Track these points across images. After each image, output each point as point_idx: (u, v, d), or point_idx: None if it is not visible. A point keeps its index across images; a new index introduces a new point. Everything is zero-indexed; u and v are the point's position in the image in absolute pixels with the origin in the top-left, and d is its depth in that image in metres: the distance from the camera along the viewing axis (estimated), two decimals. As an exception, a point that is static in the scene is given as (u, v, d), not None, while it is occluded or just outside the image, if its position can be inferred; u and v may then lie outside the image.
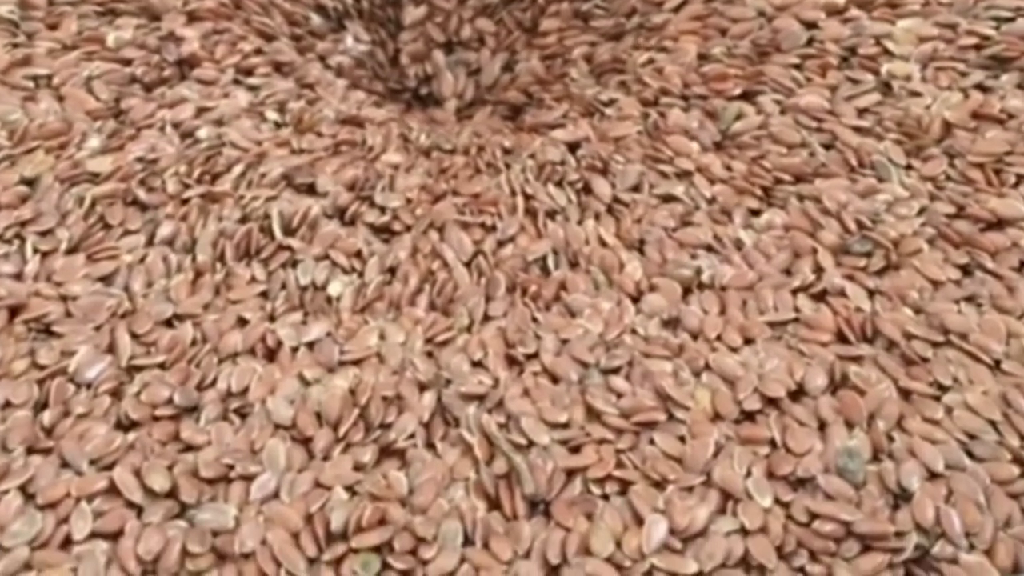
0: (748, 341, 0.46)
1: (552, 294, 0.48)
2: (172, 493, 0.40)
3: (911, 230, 0.48)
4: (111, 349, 0.45)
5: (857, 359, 0.44)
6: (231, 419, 0.43)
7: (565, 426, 0.43)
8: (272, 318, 0.47)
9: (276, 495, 0.41)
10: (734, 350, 0.45)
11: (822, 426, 0.42)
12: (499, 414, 0.43)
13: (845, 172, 0.51)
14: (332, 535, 0.39)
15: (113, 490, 0.40)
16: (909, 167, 0.51)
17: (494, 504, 0.41)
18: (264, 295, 0.48)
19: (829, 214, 0.49)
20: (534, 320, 0.47)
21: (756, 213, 0.51)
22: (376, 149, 0.55)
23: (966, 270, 0.47)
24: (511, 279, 0.49)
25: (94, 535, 0.39)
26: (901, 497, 0.41)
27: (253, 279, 0.48)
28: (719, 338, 0.46)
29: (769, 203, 0.51)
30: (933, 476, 0.41)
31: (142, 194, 0.50)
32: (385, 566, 0.39)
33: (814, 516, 0.40)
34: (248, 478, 0.41)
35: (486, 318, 0.47)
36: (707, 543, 0.39)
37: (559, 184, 0.53)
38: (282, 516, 0.40)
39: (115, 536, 0.39)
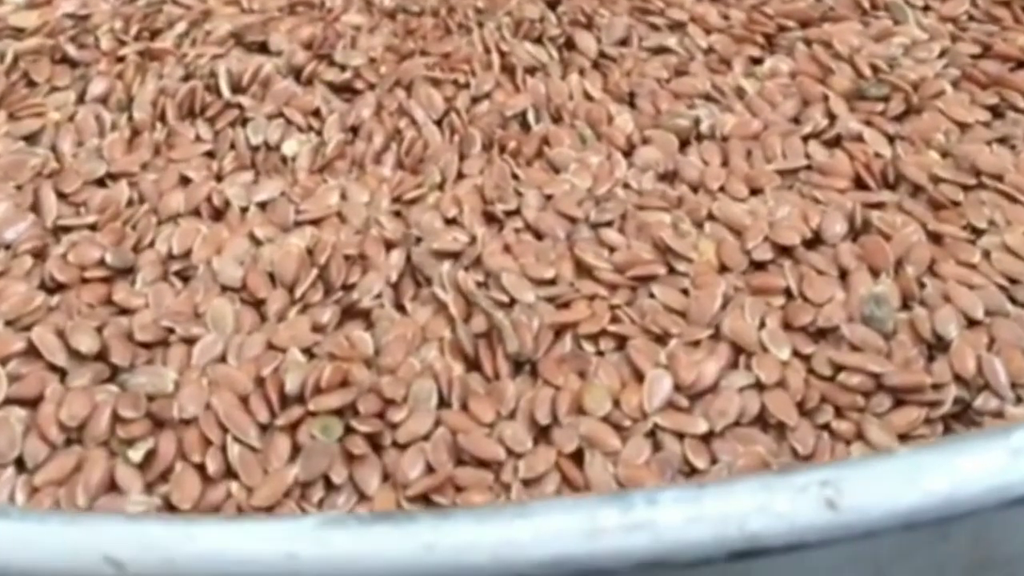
0: (755, 191, 0.40)
1: (534, 150, 0.43)
2: (102, 356, 0.35)
3: (932, 73, 0.43)
4: (35, 209, 0.39)
5: (879, 205, 0.39)
6: (171, 282, 0.38)
7: (552, 282, 0.37)
8: (219, 178, 0.42)
9: (223, 359, 0.35)
10: (740, 200, 0.40)
11: (843, 274, 0.37)
12: (477, 272, 0.38)
13: (856, 15, 0.46)
14: (287, 398, 0.34)
15: (32, 351, 0.35)
16: (927, 8, 0.46)
17: (473, 364, 0.36)
18: (210, 155, 0.42)
19: (841, 59, 0.44)
20: (514, 176, 0.42)
21: (758, 61, 0.45)
22: (336, 10, 0.49)
23: (996, 111, 0.42)
24: (487, 136, 0.43)
25: (9, 401, 0.34)
26: (937, 347, 0.36)
27: (198, 138, 0.43)
28: (722, 189, 0.40)
29: (772, 50, 0.46)
30: (972, 323, 0.36)
31: (72, 50, 0.45)
32: (348, 431, 0.33)
33: (839, 368, 0.35)
34: (190, 341, 0.36)
35: (460, 176, 0.42)
36: (717, 400, 0.34)
37: (538, 41, 0.47)
38: (229, 379, 0.34)
39: (34, 402, 0.34)
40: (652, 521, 0.25)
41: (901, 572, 0.28)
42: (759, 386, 0.34)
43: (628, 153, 0.42)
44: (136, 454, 0.33)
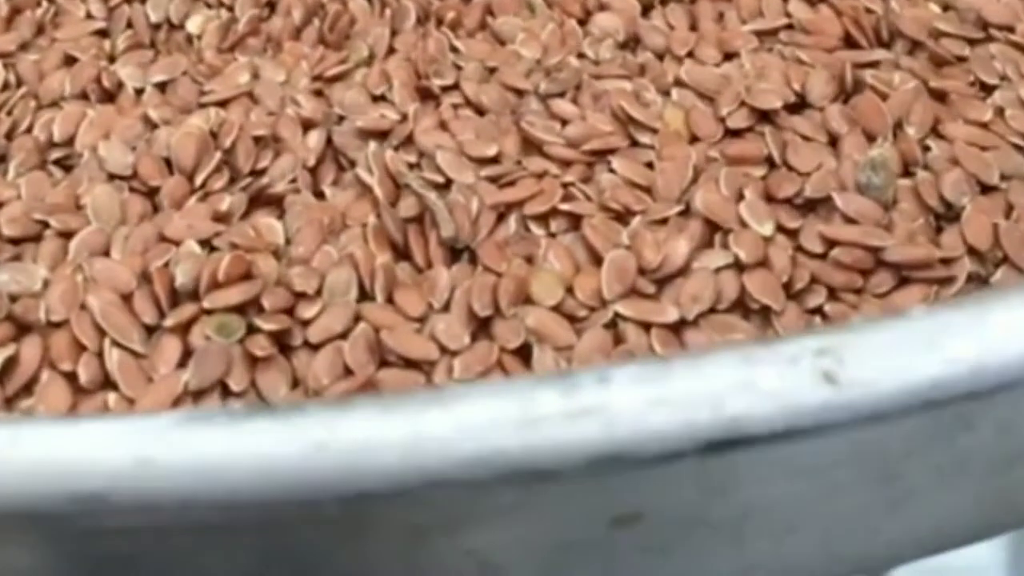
0: (729, 56, 0.35)
1: (475, 21, 0.37)
2: (-42, 253, 0.29)
3: (926, -80, 0.38)
4: None
5: (873, 64, 0.34)
6: (50, 171, 0.32)
7: (494, 160, 0.32)
8: (112, 59, 0.36)
9: (105, 254, 0.30)
10: (712, 65, 0.34)
11: (833, 141, 0.32)
12: (408, 152, 0.32)
13: None
14: (177, 295, 0.28)
15: None
16: None
17: (401, 254, 0.30)
18: (102, 33, 0.37)
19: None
20: (453, 50, 0.36)
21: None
22: None
23: (1001, -42, 0.37)
24: (423, 8, 0.38)
25: None
26: (945, 217, 0.30)
27: (88, 15, 0.37)
28: (691, 55, 0.35)
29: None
30: (986, 189, 0.30)
31: (-56, -78, 0.39)
32: (251, 331, 0.28)
33: (832, 244, 0.29)
34: (67, 235, 0.30)
35: (391, 51, 0.36)
36: (689, 283, 0.29)
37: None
38: (109, 274, 0.29)
39: None
40: (603, 405, 0.20)
41: (914, 469, 0.23)
42: (738, 266, 0.29)
43: (583, 21, 0.37)
44: (-7, 363, 0.27)
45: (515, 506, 0.21)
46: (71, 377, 0.27)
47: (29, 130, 0.33)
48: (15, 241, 0.30)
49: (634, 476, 0.21)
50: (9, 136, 0.33)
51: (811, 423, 0.20)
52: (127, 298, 0.28)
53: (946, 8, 0.35)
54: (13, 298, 0.28)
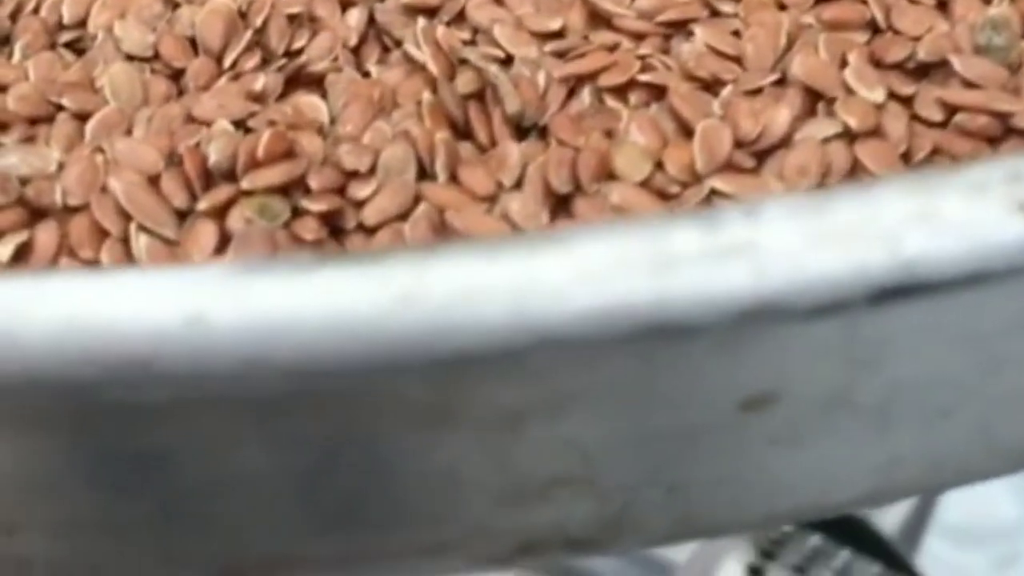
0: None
1: None
2: (-40, 133, 0.26)
3: None
4: None
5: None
6: (61, 54, 0.29)
7: (558, 35, 0.28)
8: (125, -65, 0.32)
9: (127, 134, 0.26)
10: (796, -69, 0.31)
11: (942, 3, 0.28)
12: (460, 29, 0.29)
13: None
14: (211, 176, 0.25)
15: None
16: None
17: (461, 133, 0.26)
18: (113, -90, 0.33)
19: None
20: (503, -80, 0.32)
21: None
22: None
23: None
24: None
25: None
26: (1078, 80, 0.26)
27: None
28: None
29: None
30: None
31: None
32: (297, 213, 0.24)
33: (953, 110, 0.26)
34: (82, 117, 0.26)
35: (436, -75, 0.33)
36: (793, 154, 0.25)
37: None
38: (133, 155, 0.25)
39: None
40: (753, 244, 0.16)
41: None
42: (848, 135, 0.25)
43: None
44: (4, 250, 0.24)
45: (632, 381, 0.17)
46: (93, 265, 0.23)
47: (36, 11, 0.29)
48: (25, 121, 0.26)
49: (775, 342, 0.17)
50: (13, 17, 0.29)
51: (1002, 266, 0.16)
52: (154, 180, 0.25)
53: None
54: (24, 181, 0.24)
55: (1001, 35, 0.26)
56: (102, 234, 0.24)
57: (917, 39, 0.27)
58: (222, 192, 0.24)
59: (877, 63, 0.27)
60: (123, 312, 0.16)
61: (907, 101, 0.26)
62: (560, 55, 0.28)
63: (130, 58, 0.28)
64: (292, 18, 0.29)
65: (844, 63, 0.27)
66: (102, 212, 0.24)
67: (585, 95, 0.27)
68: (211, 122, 0.26)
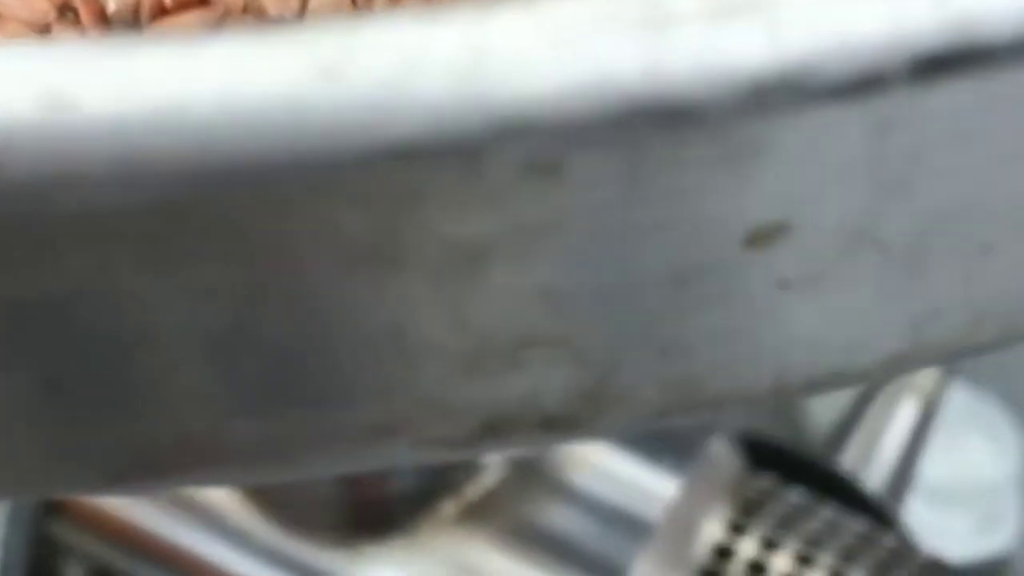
0: None
1: None
2: None
3: None
4: None
5: None
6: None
7: None
8: None
9: (15, -7, 0.22)
10: None
11: None
12: None
13: None
14: (111, 26, 0.21)
15: None
16: None
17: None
18: None
19: None
20: None
21: None
22: None
23: None
24: None
25: None
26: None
27: None
28: None
29: None
30: None
31: None
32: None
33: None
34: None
35: None
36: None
37: None
38: (20, 5, 0.21)
39: None
40: (765, 1, 0.13)
41: None
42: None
43: None
44: None
45: (615, 200, 0.14)
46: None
47: None
48: None
49: (787, 144, 0.14)
50: None
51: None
52: (44, 30, 0.21)
53: None
54: None
55: None
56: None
57: None
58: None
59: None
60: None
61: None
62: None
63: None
64: None
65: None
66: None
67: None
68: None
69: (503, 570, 0.44)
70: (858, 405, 0.57)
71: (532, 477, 0.45)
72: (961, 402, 0.81)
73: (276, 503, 0.45)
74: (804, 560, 0.44)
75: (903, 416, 0.56)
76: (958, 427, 0.81)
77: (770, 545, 0.44)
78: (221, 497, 0.46)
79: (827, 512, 0.46)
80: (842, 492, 0.50)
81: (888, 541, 0.45)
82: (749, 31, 0.12)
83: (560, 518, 0.44)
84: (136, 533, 0.47)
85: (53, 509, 0.47)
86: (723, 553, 0.44)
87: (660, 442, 0.46)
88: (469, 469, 0.44)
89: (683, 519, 0.44)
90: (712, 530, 0.44)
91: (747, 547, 0.44)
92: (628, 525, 0.44)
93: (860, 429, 0.56)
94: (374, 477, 0.41)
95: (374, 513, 0.45)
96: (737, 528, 0.44)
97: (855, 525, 0.46)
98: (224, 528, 0.46)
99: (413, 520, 0.45)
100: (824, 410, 0.76)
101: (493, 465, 0.45)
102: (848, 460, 0.54)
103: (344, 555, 0.45)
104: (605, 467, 0.46)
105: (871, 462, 0.54)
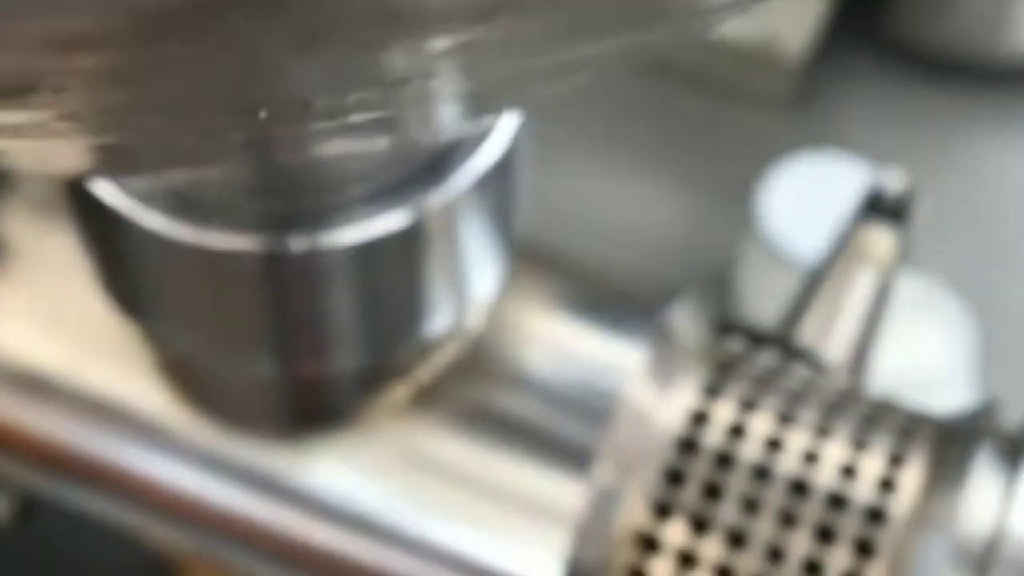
0: None
1: None
2: None
3: None
4: None
5: None
6: None
7: None
8: None
9: None
10: None
11: None
12: None
13: None
14: None
15: None
16: None
17: None
18: None
19: None
20: None
21: None
22: None
23: None
24: None
25: None
26: None
27: None
28: None
29: None
30: None
31: None
32: None
33: None
34: None
35: None
36: None
37: None
38: None
39: None
40: None
41: None
42: None
43: None
44: None
45: None
46: None
47: None
48: None
49: None
50: None
51: None
52: None
53: None
54: None
55: None
56: None
57: None
58: None
59: None
60: None
61: None
62: None
63: None
64: None
65: None
66: None
67: None
68: None
69: (458, 458, 0.40)
70: (814, 280, 0.53)
71: (485, 358, 0.41)
72: (911, 289, 0.79)
73: (211, 400, 0.41)
74: (785, 419, 0.40)
75: (860, 288, 0.53)
76: (909, 314, 0.79)
77: (748, 406, 0.40)
78: (150, 404, 0.42)
79: (803, 371, 0.43)
80: (812, 356, 0.46)
81: (868, 398, 0.42)
82: None
83: (517, 400, 0.40)
84: (62, 453, 0.42)
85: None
86: (698, 419, 0.40)
87: (619, 313, 0.42)
88: (419, 351, 0.40)
89: (651, 388, 0.40)
90: (684, 396, 0.41)
91: (723, 411, 0.40)
92: (591, 402, 0.40)
93: (817, 304, 0.53)
94: (318, 360, 0.37)
95: (318, 402, 0.40)
96: (711, 392, 0.41)
97: (833, 382, 0.42)
98: (156, 437, 0.42)
99: (360, 408, 0.40)
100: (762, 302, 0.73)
101: (445, 347, 0.41)
102: (807, 335, 0.51)
103: (288, 452, 0.41)
104: (562, 343, 0.42)
105: (830, 336, 0.51)
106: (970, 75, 0.93)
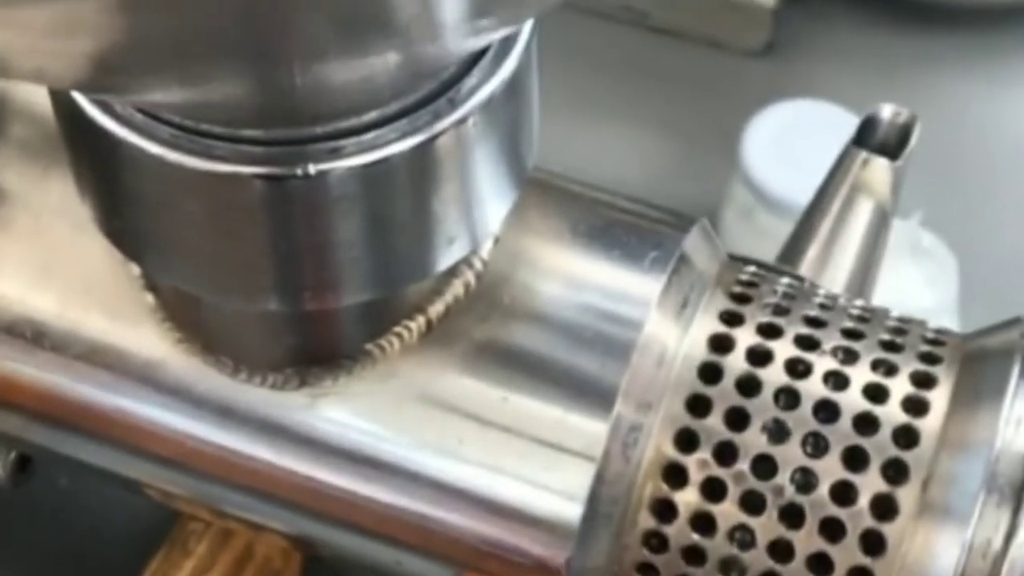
0: None
1: None
2: None
3: None
4: None
5: None
6: None
7: None
8: None
9: None
10: None
11: None
12: None
13: None
14: None
15: None
16: None
17: None
18: None
19: None
20: None
21: None
22: None
23: None
24: None
25: None
26: None
27: None
28: None
29: None
30: None
31: None
32: None
33: None
34: None
35: None
36: None
37: None
38: None
39: None
40: None
41: None
42: None
43: None
44: None
45: None
46: None
47: None
48: None
49: None
50: None
51: None
52: None
53: None
54: None
55: None
56: None
57: None
58: None
59: None
60: None
61: None
62: None
63: None
64: None
65: None
66: None
67: None
68: None
69: (474, 396, 0.38)
70: (810, 216, 0.51)
71: (498, 292, 0.39)
72: (895, 231, 0.77)
73: (217, 344, 0.39)
74: (809, 343, 0.38)
75: (858, 222, 0.51)
76: (895, 257, 0.77)
77: (770, 332, 0.38)
78: (151, 349, 0.39)
79: (823, 295, 0.41)
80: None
81: (891, 320, 0.40)
82: None
83: (533, 335, 0.38)
84: (62, 404, 0.40)
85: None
86: (721, 346, 0.38)
87: (634, 242, 0.40)
88: (430, 285, 0.38)
89: (671, 317, 0.38)
90: (705, 324, 0.39)
91: (746, 337, 0.38)
92: (609, 333, 0.38)
93: (815, 239, 0.51)
94: (327, 293, 0.35)
95: (328, 341, 0.38)
96: (731, 318, 0.39)
97: (853, 306, 0.40)
98: (159, 383, 0.39)
99: (370, 349, 0.38)
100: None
101: (456, 281, 0.39)
102: (805, 271, 0.49)
103: (298, 396, 0.39)
104: (576, 274, 0.40)
105: (829, 270, 0.49)
106: (942, 16, 0.91)
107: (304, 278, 0.34)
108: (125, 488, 0.43)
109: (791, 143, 0.80)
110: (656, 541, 0.38)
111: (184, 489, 0.42)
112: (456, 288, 0.38)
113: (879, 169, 0.52)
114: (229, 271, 0.34)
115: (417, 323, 0.38)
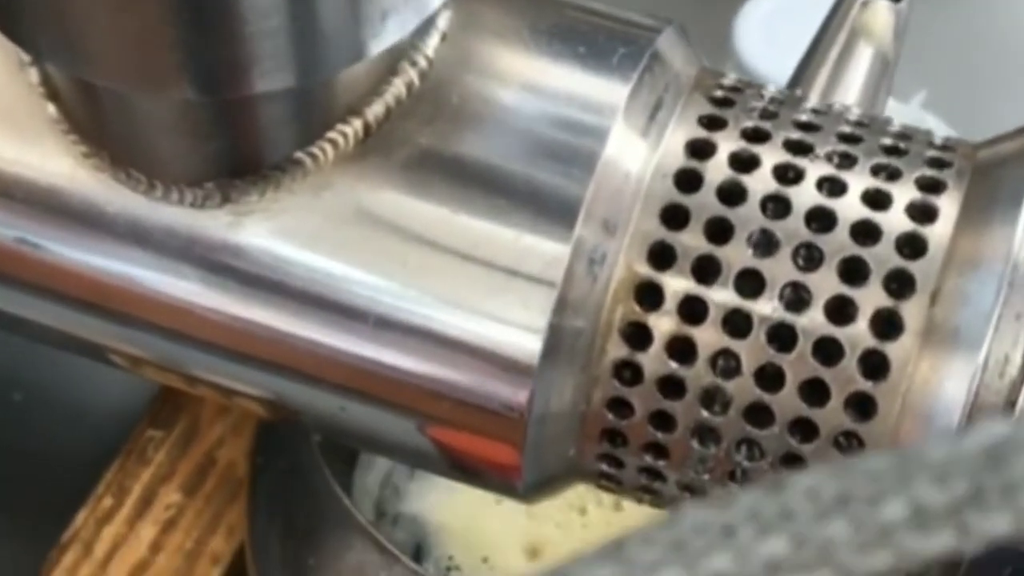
0: None
1: None
2: None
3: None
4: None
5: None
6: None
7: None
8: None
9: None
10: None
11: None
12: None
13: None
14: None
15: None
16: None
17: None
18: None
19: None
20: None
21: None
22: None
23: None
24: None
25: None
26: None
27: None
28: None
29: None
30: None
31: None
32: None
33: None
34: None
35: None
36: None
37: None
38: None
39: None
40: None
41: None
42: None
43: None
44: None
45: None
46: None
47: None
48: None
49: None
50: None
51: None
52: None
53: None
54: None
55: None
56: None
57: None
58: None
59: None
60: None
61: None
62: None
63: None
64: None
65: None
66: None
67: None
68: None
69: (418, 213, 0.32)
70: (810, 58, 0.46)
71: (446, 96, 0.33)
72: (897, 116, 0.72)
73: (133, 158, 0.33)
74: (799, 148, 0.33)
75: (859, 66, 0.45)
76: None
77: (755, 136, 0.33)
78: (60, 166, 0.34)
79: (814, 104, 0.35)
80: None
81: (893, 126, 0.34)
82: None
83: (485, 144, 0.33)
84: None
85: None
86: (700, 152, 0.33)
87: (601, 42, 0.34)
88: (366, 80, 0.32)
89: (642, 124, 0.33)
90: (682, 130, 0.33)
91: (728, 142, 0.33)
92: (572, 142, 0.33)
93: (813, 86, 0.45)
94: (244, 75, 0.29)
95: (252, 146, 0.33)
96: (713, 122, 0.33)
97: (851, 112, 0.35)
98: (67, 207, 0.34)
99: (300, 158, 0.33)
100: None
101: (397, 80, 0.33)
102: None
103: (220, 214, 0.33)
104: (535, 78, 0.34)
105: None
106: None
107: (214, 52, 0.28)
108: (60, 344, 0.38)
109: (783, 27, 0.76)
110: (629, 372, 0.32)
111: (104, 336, 0.36)
112: (397, 87, 0.33)
113: (880, 11, 0.47)
114: (128, 47, 0.29)
115: (353, 127, 0.32)
